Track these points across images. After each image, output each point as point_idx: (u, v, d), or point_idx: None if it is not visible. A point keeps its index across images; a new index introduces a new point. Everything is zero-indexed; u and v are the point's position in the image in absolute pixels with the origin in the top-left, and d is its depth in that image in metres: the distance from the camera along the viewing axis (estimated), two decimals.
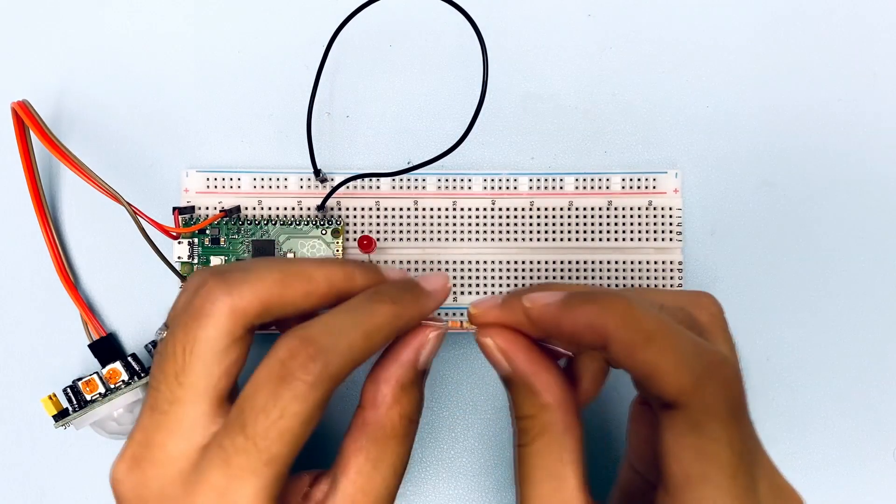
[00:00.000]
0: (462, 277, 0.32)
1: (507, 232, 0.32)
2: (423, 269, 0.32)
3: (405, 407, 0.23)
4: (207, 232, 0.32)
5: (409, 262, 0.32)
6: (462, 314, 0.32)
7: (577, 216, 0.32)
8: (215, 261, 0.32)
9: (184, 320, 0.21)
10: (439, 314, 0.26)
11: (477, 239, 0.32)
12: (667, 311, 0.22)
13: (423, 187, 0.32)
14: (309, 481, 0.23)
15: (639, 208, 0.32)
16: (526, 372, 0.23)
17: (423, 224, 0.32)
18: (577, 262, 0.32)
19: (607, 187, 0.32)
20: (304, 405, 0.20)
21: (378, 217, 0.32)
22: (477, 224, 0.32)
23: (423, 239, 0.32)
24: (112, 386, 0.31)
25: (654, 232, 0.32)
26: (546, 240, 0.32)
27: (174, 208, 0.32)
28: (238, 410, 0.21)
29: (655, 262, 0.32)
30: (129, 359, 0.31)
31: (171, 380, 0.21)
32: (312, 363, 0.20)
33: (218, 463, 0.20)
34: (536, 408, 0.23)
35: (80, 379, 0.31)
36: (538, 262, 0.32)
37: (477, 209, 0.32)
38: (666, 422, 0.20)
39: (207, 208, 0.32)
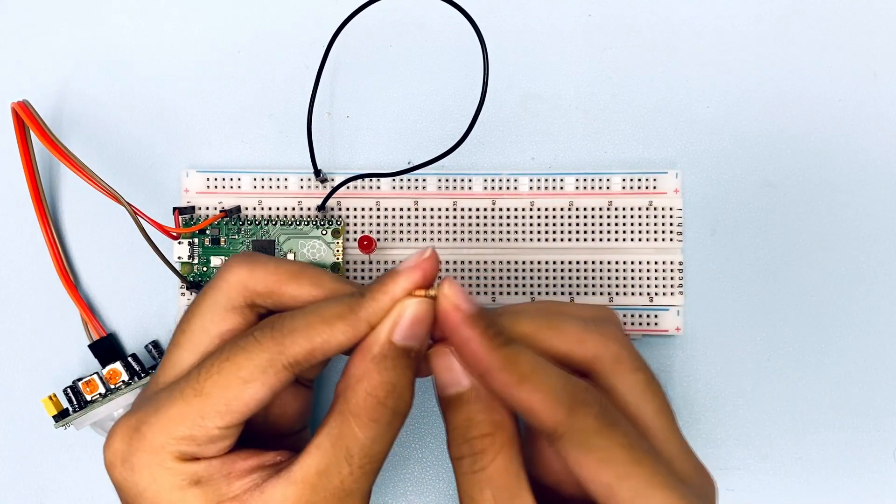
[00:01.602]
0: (462, 278, 0.32)
1: (508, 232, 0.32)
2: None
3: (374, 383, 0.22)
4: (207, 232, 0.32)
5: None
6: None
7: (577, 216, 0.32)
8: (215, 261, 0.32)
9: (207, 283, 0.24)
10: None
11: (477, 239, 0.32)
12: (563, 332, 0.23)
13: (424, 187, 0.32)
14: (286, 456, 0.23)
15: (639, 208, 0.32)
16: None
17: (424, 224, 0.32)
18: (577, 262, 0.32)
19: (607, 187, 0.32)
20: (249, 361, 0.21)
21: (378, 217, 0.32)
22: (477, 224, 0.32)
23: (423, 239, 0.32)
24: (112, 386, 0.31)
25: (655, 232, 0.32)
26: (546, 240, 0.32)
27: (174, 208, 0.32)
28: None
29: (655, 262, 0.32)
30: (130, 359, 0.31)
31: (179, 328, 0.24)
32: (271, 330, 0.22)
33: (166, 392, 0.22)
34: (493, 425, 0.22)
35: (80, 379, 0.31)
36: (538, 263, 0.32)
37: (477, 209, 0.32)
38: (562, 451, 0.22)
39: (207, 208, 0.32)
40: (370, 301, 0.22)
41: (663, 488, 0.21)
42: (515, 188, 0.32)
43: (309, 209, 0.32)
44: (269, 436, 0.25)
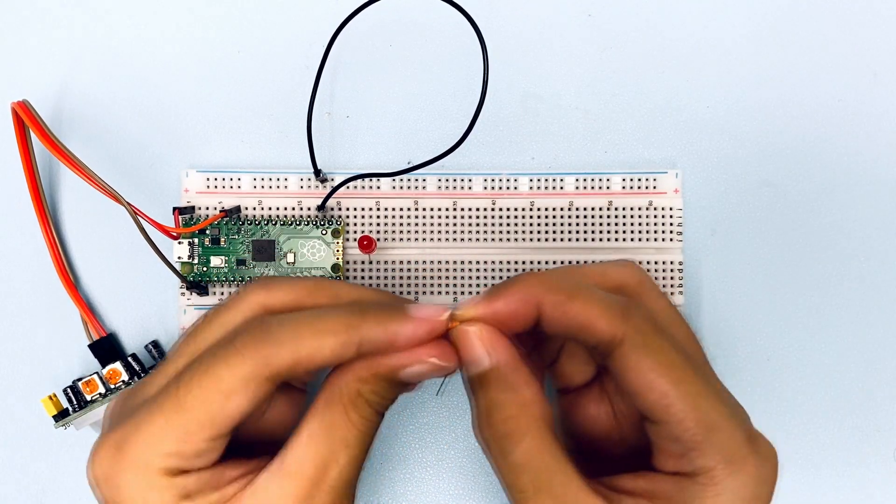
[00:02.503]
0: (462, 278, 0.32)
1: (508, 232, 0.32)
2: (424, 269, 0.32)
3: (367, 385, 0.22)
4: (207, 232, 0.32)
5: (409, 262, 0.32)
6: None
7: (577, 216, 0.32)
8: (215, 261, 0.32)
9: (223, 301, 0.24)
10: None
11: (477, 239, 0.32)
12: (596, 283, 0.24)
13: (424, 187, 0.32)
14: (260, 463, 0.22)
15: (639, 208, 0.32)
16: (511, 364, 0.22)
17: (424, 224, 0.32)
18: (578, 262, 0.32)
19: (607, 187, 0.32)
20: (230, 373, 0.21)
21: (378, 217, 0.32)
22: (477, 224, 0.32)
23: (423, 239, 0.32)
24: (112, 386, 0.31)
25: (655, 232, 0.32)
26: (546, 240, 0.32)
27: (174, 208, 0.32)
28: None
29: (655, 262, 0.32)
30: (129, 359, 0.31)
31: (184, 342, 0.23)
32: (253, 340, 0.21)
33: (147, 406, 0.22)
34: (518, 405, 0.22)
35: (80, 379, 0.31)
36: (538, 263, 0.32)
37: (477, 209, 0.32)
38: (618, 364, 0.22)
39: (207, 208, 0.32)
40: (368, 331, 0.21)
41: (714, 399, 0.22)
42: (515, 188, 0.32)
43: (309, 209, 0.32)
44: (261, 441, 0.24)
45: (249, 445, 0.23)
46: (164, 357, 0.23)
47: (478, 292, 0.32)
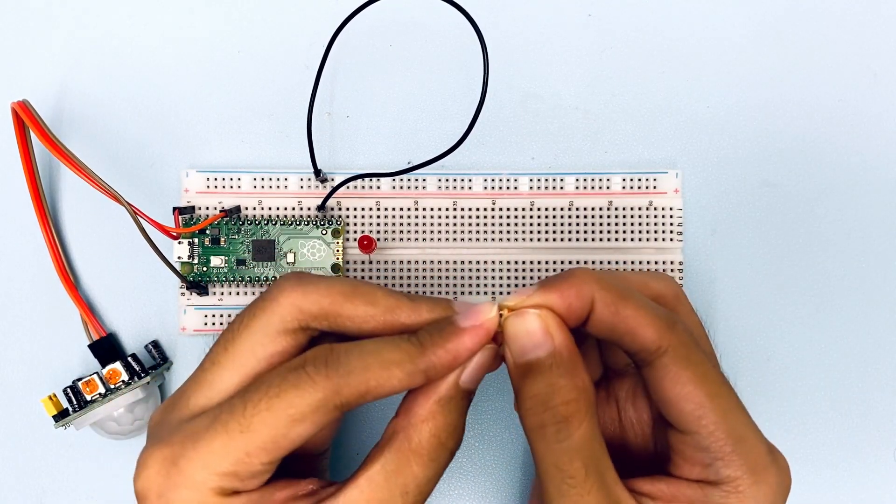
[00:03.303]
0: (462, 278, 0.32)
1: (508, 232, 0.32)
2: (424, 270, 0.32)
3: (439, 425, 0.22)
4: (207, 232, 0.32)
5: (409, 262, 0.32)
6: None
7: (577, 216, 0.32)
8: (215, 261, 0.32)
9: (254, 302, 0.23)
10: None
11: (477, 239, 0.32)
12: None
13: (424, 187, 0.32)
14: (319, 484, 0.23)
15: (639, 208, 0.32)
16: (571, 349, 0.22)
17: (424, 224, 0.32)
18: (578, 263, 0.32)
19: (607, 187, 0.32)
20: (301, 400, 0.21)
21: (378, 217, 0.32)
22: (477, 224, 0.32)
23: (423, 239, 0.32)
24: (112, 386, 0.31)
25: (655, 232, 0.32)
26: (546, 240, 0.32)
27: (174, 208, 0.32)
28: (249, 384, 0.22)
29: (655, 263, 0.32)
30: (129, 359, 0.31)
31: (220, 346, 0.23)
32: (325, 367, 0.21)
33: (206, 422, 0.21)
34: (577, 390, 0.22)
35: (80, 379, 0.31)
36: (538, 263, 0.32)
37: (477, 209, 0.32)
38: (657, 373, 0.22)
39: (207, 208, 0.32)
40: (432, 356, 0.21)
41: (741, 413, 0.23)
42: (515, 188, 0.32)
43: (309, 209, 0.32)
44: (293, 457, 0.24)
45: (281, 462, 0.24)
46: (201, 364, 0.23)
47: (478, 293, 0.32)
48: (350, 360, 0.21)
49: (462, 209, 0.32)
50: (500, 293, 0.32)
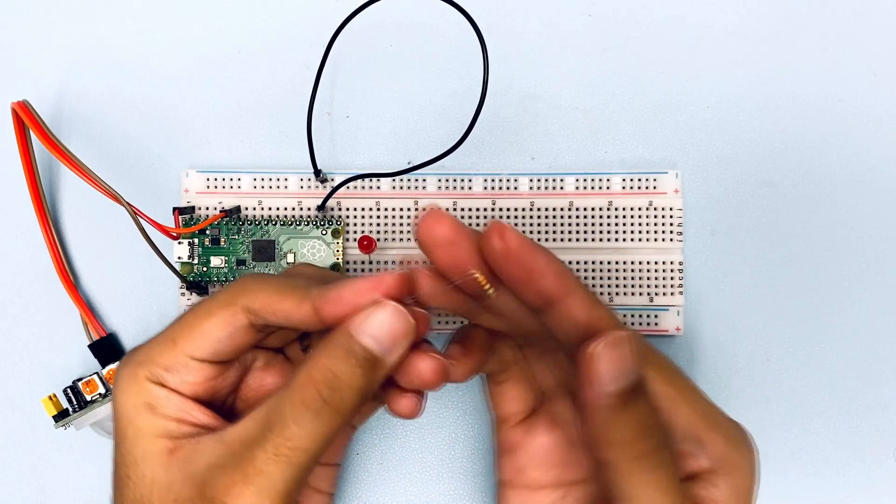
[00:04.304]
0: None
1: None
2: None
3: (316, 366, 0.22)
4: (207, 232, 0.32)
5: (409, 262, 0.32)
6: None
7: (577, 216, 0.32)
8: (215, 261, 0.32)
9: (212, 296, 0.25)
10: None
11: None
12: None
13: (424, 187, 0.32)
14: (225, 424, 0.23)
15: (639, 208, 0.32)
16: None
17: None
18: (578, 263, 0.32)
19: (607, 187, 0.32)
20: (212, 300, 0.24)
21: (378, 217, 0.32)
22: (477, 224, 0.32)
23: None
24: (112, 386, 0.31)
25: (655, 232, 0.32)
26: (546, 240, 0.32)
27: (174, 208, 0.32)
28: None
29: (655, 262, 0.32)
30: None
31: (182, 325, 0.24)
32: (232, 283, 0.24)
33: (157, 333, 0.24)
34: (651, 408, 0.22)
35: (80, 379, 0.31)
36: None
37: (477, 209, 0.32)
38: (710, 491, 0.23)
39: (207, 208, 0.32)
40: (321, 290, 0.22)
41: (703, 397, 0.24)
42: (515, 188, 0.32)
43: (309, 209, 0.32)
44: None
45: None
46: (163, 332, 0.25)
47: None
48: (254, 283, 0.23)
49: (462, 209, 0.32)
50: None
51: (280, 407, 0.22)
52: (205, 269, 0.32)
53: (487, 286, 0.22)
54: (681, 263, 0.32)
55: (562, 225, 0.32)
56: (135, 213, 0.29)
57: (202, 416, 0.23)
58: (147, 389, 0.23)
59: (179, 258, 0.32)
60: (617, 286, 0.32)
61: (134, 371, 0.23)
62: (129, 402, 0.23)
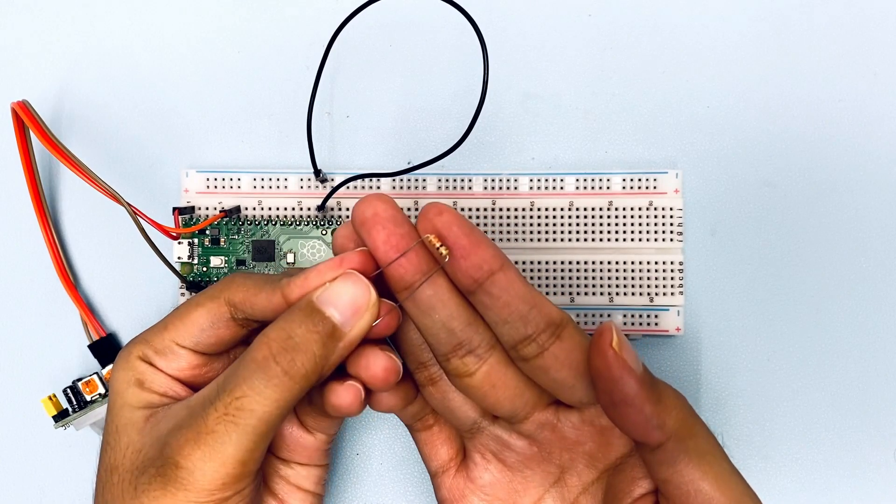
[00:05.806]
0: None
1: (508, 232, 0.32)
2: None
3: (273, 328, 0.22)
4: (207, 232, 0.32)
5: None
6: None
7: (577, 216, 0.32)
8: (215, 261, 0.32)
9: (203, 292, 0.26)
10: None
11: None
12: None
13: (424, 187, 0.32)
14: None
15: (639, 208, 0.32)
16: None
17: None
18: (577, 262, 0.32)
19: (608, 187, 0.32)
20: (201, 294, 0.24)
21: None
22: (477, 224, 0.32)
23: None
24: None
25: (655, 232, 0.32)
26: (546, 240, 0.32)
27: (174, 208, 0.32)
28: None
29: (655, 262, 0.32)
30: None
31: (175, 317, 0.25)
32: (221, 280, 0.24)
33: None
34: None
35: (80, 379, 0.31)
36: (538, 262, 0.32)
37: (477, 209, 0.32)
38: (664, 458, 0.22)
39: (207, 208, 0.32)
40: (294, 275, 0.23)
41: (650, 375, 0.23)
42: (515, 188, 0.32)
43: (309, 209, 0.32)
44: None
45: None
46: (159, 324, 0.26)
47: None
48: (238, 278, 0.24)
49: (462, 209, 0.32)
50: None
51: (236, 368, 0.22)
52: (205, 269, 0.32)
53: (441, 247, 0.22)
54: (681, 263, 0.32)
55: (562, 225, 0.32)
56: (135, 213, 0.29)
57: (185, 392, 0.24)
58: (137, 367, 0.24)
59: (179, 258, 0.32)
60: (617, 286, 0.32)
61: (129, 350, 0.24)
62: (121, 378, 0.24)
